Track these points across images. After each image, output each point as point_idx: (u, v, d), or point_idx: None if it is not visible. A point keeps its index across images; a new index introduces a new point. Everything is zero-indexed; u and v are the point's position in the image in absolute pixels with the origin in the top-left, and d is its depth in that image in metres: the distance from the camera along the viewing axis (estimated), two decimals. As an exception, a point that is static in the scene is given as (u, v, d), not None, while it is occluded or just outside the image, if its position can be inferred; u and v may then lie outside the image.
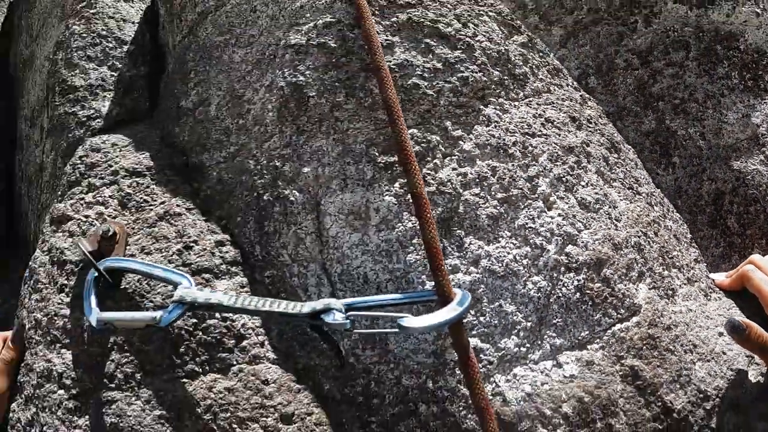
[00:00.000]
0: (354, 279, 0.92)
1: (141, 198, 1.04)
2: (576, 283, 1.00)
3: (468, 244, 0.95)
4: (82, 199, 1.08)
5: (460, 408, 0.90)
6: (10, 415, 0.99)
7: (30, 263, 1.11)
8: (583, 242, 1.03)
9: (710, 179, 1.59)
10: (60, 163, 1.25)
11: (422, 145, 0.97)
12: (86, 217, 1.06)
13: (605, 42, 1.55)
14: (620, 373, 0.98)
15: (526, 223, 1.00)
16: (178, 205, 1.03)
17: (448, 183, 0.95)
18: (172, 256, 0.98)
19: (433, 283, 0.89)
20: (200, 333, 0.93)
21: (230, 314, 0.93)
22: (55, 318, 0.97)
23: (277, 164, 0.97)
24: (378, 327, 0.90)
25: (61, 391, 0.92)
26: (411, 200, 0.90)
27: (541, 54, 1.22)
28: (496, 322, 0.94)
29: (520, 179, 1.01)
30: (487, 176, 0.98)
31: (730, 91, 1.63)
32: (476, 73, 1.05)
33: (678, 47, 1.61)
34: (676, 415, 0.98)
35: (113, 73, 1.31)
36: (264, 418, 0.89)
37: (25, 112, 1.63)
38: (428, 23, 1.06)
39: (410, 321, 0.81)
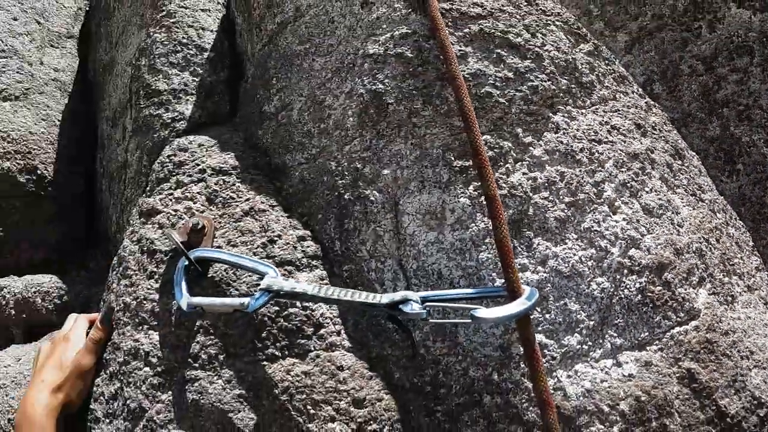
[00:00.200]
0: (429, 275, 0.97)
1: (227, 194, 1.12)
2: (638, 285, 1.03)
3: (536, 245, 0.99)
4: (171, 194, 1.16)
5: (523, 400, 0.94)
6: (94, 389, 1.07)
7: (119, 252, 1.19)
8: (646, 246, 1.06)
9: (775, 187, 1.57)
10: (145, 161, 1.35)
11: (495, 150, 1.01)
12: (175, 211, 1.14)
13: (670, 48, 1.56)
14: (677, 375, 1.01)
15: (592, 227, 1.03)
16: (262, 202, 1.10)
17: (519, 187, 1.00)
18: (256, 248, 1.04)
19: (503, 281, 0.94)
20: (282, 320, 0.99)
21: (310, 303, 0.99)
22: (144, 302, 1.05)
23: (358, 166, 1.04)
24: (451, 318, 0.95)
25: (147, 369, 1.00)
26: (484, 202, 0.95)
27: (607, 62, 1.25)
28: (560, 319, 0.98)
29: (587, 184, 1.05)
30: (555, 181, 1.03)
31: (795, 98, 1.61)
32: (545, 81, 1.09)
33: (742, 53, 1.60)
34: (730, 420, 1.00)
35: (195, 79, 1.39)
36: (337, 402, 0.95)
37: (107, 113, 1.74)
38: (499, 34, 1.11)
39: (482, 312, 0.85)
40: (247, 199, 1.11)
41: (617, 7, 1.60)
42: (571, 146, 1.06)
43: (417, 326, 0.98)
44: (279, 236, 1.05)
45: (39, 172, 1.71)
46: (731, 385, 1.03)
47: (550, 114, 1.08)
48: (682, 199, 1.18)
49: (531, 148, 1.04)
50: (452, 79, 1.00)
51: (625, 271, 1.03)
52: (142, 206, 1.18)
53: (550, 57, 1.13)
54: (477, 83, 1.05)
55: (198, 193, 1.14)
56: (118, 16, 1.80)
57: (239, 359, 0.97)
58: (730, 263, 1.19)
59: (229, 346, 0.98)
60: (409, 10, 1.10)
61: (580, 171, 1.05)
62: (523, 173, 1.01)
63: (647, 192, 1.12)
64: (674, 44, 1.56)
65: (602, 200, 1.05)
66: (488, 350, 0.96)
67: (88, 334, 1.12)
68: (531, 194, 1.01)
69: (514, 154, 1.02)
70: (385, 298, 0.89)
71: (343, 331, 1.00)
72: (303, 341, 0.98)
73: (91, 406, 1.05)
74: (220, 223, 1.09)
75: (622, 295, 1.02)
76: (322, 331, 0.99)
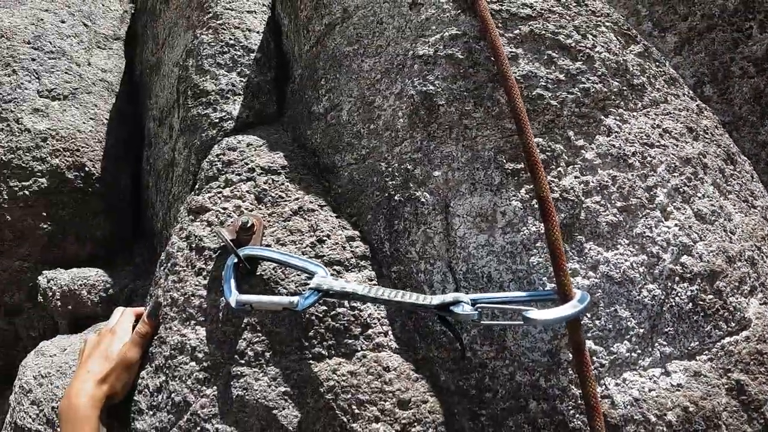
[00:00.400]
0: (478, 277, 0.97)
1: (276, 194, 1.13)
2: (689, 293, 1.01)
3: (588, 250, 0.98)
4: (220, 192, 1.18)
5: (569, 407, 0.93)
6: (139, 381, 1.09)
7: (167, 248, 1.21)
8: (697, 253, 1.04)
9: (827, 193, 1.53)
10: (193, 160, 1.37)
11: (546, 153, 1.01)
12: (224, 209, 1.15)
13: (720, 49, 1.53)
14: (726, 387, 0.98)
15: (644, 232, 1.02)
16: (311, 202, 1.11)
17: (571, 190, 0.99)
18: (305, 248, 1.06)
19: (553, 285, 0.93)
20: (329, 319, 1.00)
21: (358, 304, 1.00)
22: (192, 298, 1.07)
23: (409, 167, 1.04)
24: (501, 320, 0.95)
25: (193, 363, 1.01)
26: (536, 206, 0.95)
27: (657, 63, 1.23)
28: (610, 326, 0.97)
29: (639, 189, 1.04)
30: (607, 185, 1.01)
31: None
32: (597, 83, 1.08)
33: (794, 54, 1.56)
34: (777, 434, 0.98)
35: (242, 79, 1.42)
36: (382, 402, 0.95)
37: (154, 112, 1.78)
38: (549, 35, 1.10)
39: (535, 314, 0.85)
40: (296, 199, 1.12)
41: (666, 7, 1.57)
42: (623, 150, 1.05)
43: (464, 329, 0.97)
44: (328, 236, 1.06)
45: (87, 169, 1.76)
46: (781, 399, 1.00)
47: (602, 117, 1.06)
48: (734, 205, 1.16)
49: (583, 151, 1.02)
50: (504, 80, 0.99)
51: (677, 278, 1.01)
52: (191, 204, 1.21)
53: (600, 58, 1.12)
54: (528, 85, 1.04)
55: (247, 191, 1.15)
56: (164, 19, 1.84)
57: (286, 357, 0.99)
58: (784, 272, 1.16)
59: (275, 343, 0.99)
60: (459, 11, 1.10)
61: (633, 175, 1.04)
62: (575, 177, 1.00)
63: (699, 198, 1.09)
64: (725, 45, 1.52)
65: (654, 205, 1.04)
66: (536, 355, 0.95)
67: (133, 327, 1.14)
68: (583, 198, 0.99)
69: (566, 157, 1.01)
70: (435, 300, 0.89)
71: (390, 332, 1.01)
72: (350, 341, 0.99)
73: (135, 398, 1.07)
74: (269, 221, 1.10)
75: (673, 303, 1.00)
76: (369, 332, 1.00)
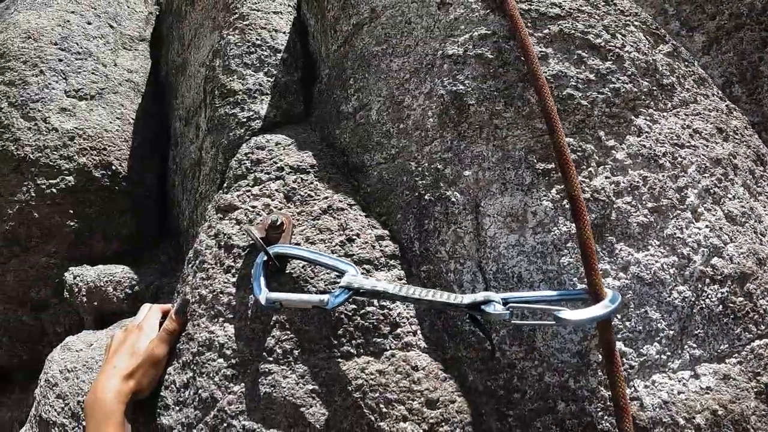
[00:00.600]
0: (509, 277, 0.97)
1: (305, 192, 1.14)
2: (720, 295, 1.01)
3: (618, 251, 0.98)
4: (249, 191, 1.19)
5: (598, 409, 0.93)
6: (165, 377, 1.10)
7: (195, 246, 1.22)
8: (728, 255, 1.03)
9: None
10: (221, 159, 1.39)
11: (577, 153, 1.00)
12: (253, 207, 1.16)
13: (749, 48, 1.51)
14: (755, 390, 0.98)
15: (675, 233, 1.01)
16: (340, 201, 1.12)
17: (602, 191, 0.99)
18: (335, 246, 1.06)
19: (584, 286, 0.93)
20: (358, 318, 1.00)
21: (388, 303, 1.00)
22: (220, 295, 1.08)
23: (439, 167, 1.04)
24: (532, 320, 0.95)
25: (221, 360, 1.02)
26: (567, 206, 0.94)
27: (686, 63, 1.22)
28: (640, 327, 0.96)
29: (670, 189, 1.03)
30: (638, 185, 1.01)
31: None
32: (627, 83, 1.08)
33: (824, 54, 1.54)
34: (805, 440, 0.97)
35: (269, 79, 1.43)
36: (410, 401, 0.95)
37: (180, 112, 1.80)
38: (579, 34, 1.09)
39: (566, 314, 0.84)
40: (326, 198, 1.13)
41: (693, 6, 1.56)
42: (654, 150, 1.04)
43: (494, 329, 0.97)
44: (357, 235, 1.07)
45: (114, 167, 1.79)
46: (810, 403, 0.99)
47: (632, 117, 1.06)
48: (765, 206, 1.15)
49: (613, 151, 1.02)
50: (535, 80, 0.99)
51: (707, 280, 1.01)
52: (220, 202, 1.22)
53: (630, 58, 1.11)
54: (558, 85, 1.04)
55: (276, 190, 1.16)
56: (190, 20, 1.86)
57: (314, 355, 0.99)
58: (815, 274, 1.15)
59: (304, 341, 1.00)
60: (488, 10, 1.10)
61: (663, 176, 1.03)
62: (606, 177, 1.00)
63: (730, 199, 1.09)
64: (753, 44, 1.51)
65: (685, 206, 1.03)
66: (566, 356, 0.95)
67: (160, 324, 1.15)
68: (614, 199, 0.99)
69: (597, 158, 1.01)
70: (466, 299, 0.89)
71: (419, 332, 1.01)
72: (379, 340, 0.99)
73: (162, 394, 1.08)
74: (298, 220, 1.11)
75: (703, 305, 0.99)
76: (398, 331, 1.00)
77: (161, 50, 2.12)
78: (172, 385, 1.08)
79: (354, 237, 1.07)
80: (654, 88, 1.11)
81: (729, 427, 0.94)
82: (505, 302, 0.88)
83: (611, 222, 0.98)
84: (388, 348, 0.99)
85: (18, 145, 1.71)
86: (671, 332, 0.97)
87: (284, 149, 1.23)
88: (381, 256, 1.05)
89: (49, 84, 1.79)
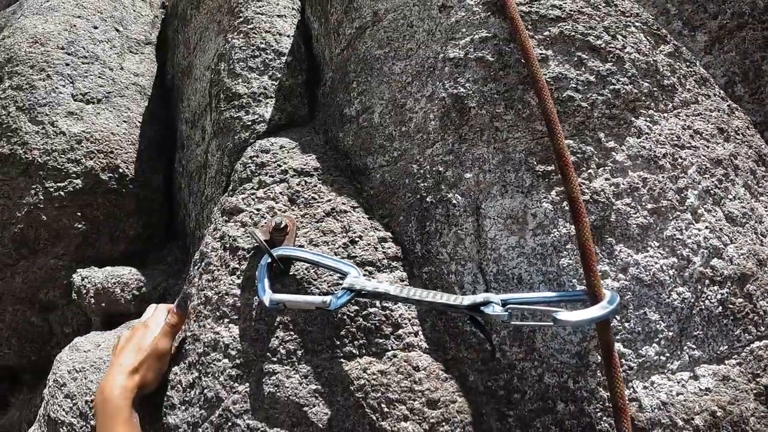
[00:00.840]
0: (509, 279, 0.98)
1: (309, 195, 1.15)
2: (719, 296, 1.01)
3: (618, 252, 0.98)
4: (254, 194, 1.21)
5: (597, 410, 0.94)
6: (171, 376, 1.12)
7: (201, 248, 1.24)
8: (728, 256, 1.04)
9: None
10: (226, 161, 1.40)
11: (577, 155, 1.01)
12: (257, 210, 1.18)
13: (751, 47, 1.51)
14: (754, 392, 0.98)
15: (674, 234, 1.02)
16: (343, 203, 1.13)
17: (602, 192, 0.99)
18: (338, 248, 1.08)
19: (583, 287, 0.94)
20: (361, 319, 1.01)
21: (389, 304, 1.01)
22: (226, 296, 1.09)
23: (440, 169, 1.05)
24: (531, 321, 0.95)
25: (226, 360, 1.03)
26: (566, 207, 0.95)
27: (687, 63, 1.22)
28: (639, 329, 0.96)
29: (670, 191, 1.03)
30: (638, 187, 1.02)
31: None
32: (627, 85, 1.08)
33: (828, 53, 1.53)
34: (804, 442, 0.96)
35: (274, 82, 1.44)
36: (411, 401, 0.96)
37: (186, 115, 1.81)
38: (579, 36, 1.10)
39: (564, 315, 0.85)
40: (329, 200, 1.14)
41: (695, 6, 1.55)
42: (654, 151, 1.05)
43: (494, 330, 0.98)
44: (360, 237, 1.08)
45: (121, 170, 1.81)
46: (810, 405, 0.99)
47: (632, 118, 1.07)
48: (766, 207, 1.15)
49: (613, 153, 1.03)
50: (534, 82, 1.00)
51: (707, 281, 1.01)
52: (225, 205, 1.23)
53: (631, 59, 1.12)
54: (558, 87, 1.05)
55: (280, 193, 1.18)
56: (195, 23, 1.87)
57: (317, 355, 1.00)
58: (817, 274, 1.15)
59: (307, 342, 1.01)
60: (488, 13, 1.11)
61: (663, 177, 1.04)
62: (606, 179, 1.01)
63: (731, 199, 1.09)
64: (756, 43, 1.50)
65: (685, 207, 1.04)
66: (565, 357, 0.96)
67: None
68: (613, 200, 1.00)
69: (597, 159, 1.02)
70: (466, 300, 0.90)
71: (420, 332, 1.02)
72: (381, 340, 1.00)
73: (168, 393, 1.10)
74: (301, 222, 1.13)
75: (703, 306, 1.00)
76: (400, 332, 1.01)
77: (167, 53, 2.13)
78: (179, 385, 1.09)
79: (357, 239, 1.08)
80: (654, 89, 1.12)
81: (728, 429, 0.94)
82: (505, 303, 0.89)
83: (611, 223, 0.99)
84: (389, 349, 1.00)
85: (26, 148, 1.73)
86: (670, 333, 0.97)
87: (288, 152, 1.25)
88: (383, 258, 1.07)
89: (57, 88, 1.81)
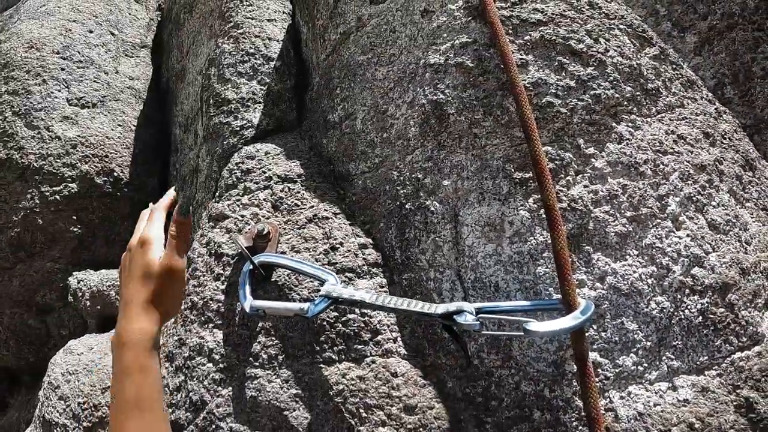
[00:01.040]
0: (486, 286, 0.98)
1: (292, 202, 1.16)
2: (699, 306, 0.99)
3: (596, 260, 0.97)
4: (239, 200, 1.22)
5: (572, 419, 0.93)
6: None
7: (189, 253, 1.25)
8: (710, 265, 1.02)
9: None
10: (215, 167, 1.41)
11: (556, 162, 1.00)
12: (242, 216, 1.19)
13: (741, 49, 1.49)
14: (734, 404, 0.96)
15: (654, 243, 1.00)
16: (325, 210, 1.14)
17: (580, 200, 0.99)
18: (319, 255, 1.08)
19: (560, 295, 0.93)
20: (340, 325, 1.02)
21: (369, 310, 1.01)
22: (210, 302, 1.10)
23: (419, 176, 1.05)
24: (505, 330, 0.95)
25: (210, 364, 1.05)
26: (544, 215, 0.95)
27: (674, 66, 1.21)
28: (616, 338, 0.95)
29: (650, 198, 1.02)
30: (617, 194, 1.01)
31: None
32: (608, 90, 1.07)
33: (819, 54, 1.51)
34: (785, 456, 0.95)
35: (262, 87, 1.45)
36: (389, 407, 0.97)
37: (180, 119, 1.82)
38: (560, 40, 1.09)
39: (535, 326, 0.85)
40: (311, 207, 1.15)
41: (685, 6, 1.53)
42: (635, 158, 1.04)
43: (472, 337, 0.98)
44: (341, 243, 1.08)
45: (115, 174, 1.82)
46: (791, 418, 0.97)
47: (614, 123, 1.06)
48: (752, 213, 1.13)
49: (593, 159, 1.02)
50: (513, 87, 0.99)
51: (687, 290, 0.99)
52: (211, 211, 1.24)
53: (613, 63, 1.11)
54: (538, 92, 1.04)
55: (264, 199, 1.18)
56: (188, 27, 1.88)
57: (297, 360, 1.01)
58: (804, 280, 1.13)
59: (288, 347, 1.02)
60: (470, 18, 1.10)
61: (644, 184, 1.03)
62: (584, 186, 1.00)
63: (714, 206, 1.07)
64: (746, 44, 1.48)
65: (666, 215, 1.02)
66: (541, 366, 0.95)
67: (165, 230, 0.94)
68: (592, 208, 0.99)
69: (576, 166, 1.01)
70: (440, 309, 0.90)
71: (399, 338, 1.02)
72: (360, 346, 1.01)
73: None
74: (284, 229, 1.13)
75: (682, 316, 0.98)
76: (378, 338, 1.01)
77: (162, 57, 2.15)
78: (166, 388, 1.10)
79: (338, 246, 1.08)
80: (637, 93, 1.11)
81: (706, 441, 0.93)
82: (479, 312, 0.89)
83: (588, 231, 0.98)
84: (368, 354, 1.01)
85: (22, 153, 1.75)
86: (648, 343, 0.96)
87: (273, 159, 1.25)
88: (363, 264, 1.07)
89: (52, 93, 1.83)
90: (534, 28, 1.10)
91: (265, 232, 1.10)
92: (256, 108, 1.41)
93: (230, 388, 1.02)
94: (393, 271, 1.06)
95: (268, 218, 1.16)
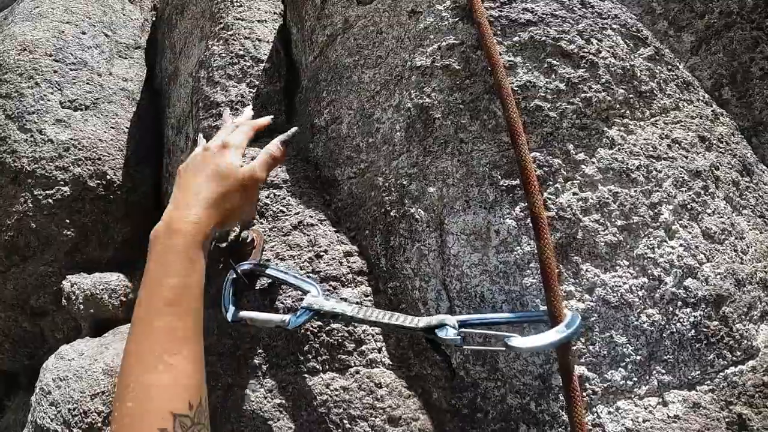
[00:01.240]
0: (471, 297, 0.95)
1: (277, 208, 1.14)
2: (692, 319, 0.96)
3: (584, 271, 0.94)
4: (225, 206, 1.20)
5: (558, 434, 0.90)
6: None
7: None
8: (703, 276, 0.98)
9: None
10: (203, 171, 1.39)
11: (544, 168, 0.97)
12: (228, 223, 1.17)
13: (739, 48, 1.44)
14: (726, 420, 0.93)
15: (646, 253, 0.97)
16: (311, 216, 1.11)
17: (568, 208, 0.96)
18: (303, 263, 1.06)
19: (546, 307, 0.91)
20: (324, 335, 1.00)
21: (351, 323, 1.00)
22: (198, 311, 1.09)
23: (404, 183, 1.03)
24: (488, 345, 0.93)
25: (197, 375, 1.03)
26: (530, 224, 0.92)
27: (669, 67, 1.17)
28: (605, 352, 0.92)
29: (642, 206, 0.99)
30: (608, 202, 0.98)
31: None
32: (600, 92, 1.04)
33: (818, 53, 1.46)
34: (778, 476, 0.92)
35: (251, 90, 1.43)
36: (373, 418, 0.95)
37: (172, 121, 1.81)
38: (550, 41, 1.06)
39: (517, 341, 0.82)
40: (297, 213, 1.13)
41: (682, 5, 1.49)
42: (627, 164, 1.01)
43: (457, 348, 0.96)
44: (326, 251, 1.06)
45: (108, 177, 1.81)
46: (786, 437, 0.94)
47: (605, 128, 1.03)
48: (749, 221, 1.10)
49: (583, 165, 0.99)
50: (499, 91, 0.97)
51: (679, 303, 0.96)
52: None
53: (605, 65, 1.07)
54: (526, 96, 1.01)
55: (249, 205, 1.16)
56: (180, 29, 1.86)
57: (282, 370, 1.00)
58: (802, 291, 1.10)
59: (272, 357, 1.00)
60: (457, 18, 1.07)
61: (636, 191, 0.99)
62: (573, 193, 0.97)
63: (709, 214, 1.04)
64: (744, 44, 1.43)
65: (658, 224, 0.99)
66: (527, 379, 0.93)
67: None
68: (581, 216, 0.96)
69: (564, 173, 0.98)
70: (422, 322, 0.87)
71: (384, 349, 1.00)
72: (344, 356, 0.99)
73: None
74: (269, 236, 1.11)
75: (674, 329, 0.95)
76: (363, 348, 1.00)
77: (156, 57, 2.13)
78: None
79: (322, 253, 1.06)
80: (631, 95, 1.07)
81: (696, 459, 0.89)
82: (462, 325, 0.87)
83: (577, 241, 0.95)
84: (352, 365, 0.99)
85: (15, 156, 1.74)
86: (638, 357, 0.93)
87: (259, 163, 1.23)
88: (348, 273, 1.05)
89: (45, 95, 1.82)
90: (523, 29, 1.06)
91: (249, 240, 1.08)
92: (244, 111, 1.39)
93: (215, 397, 1.00)
94: (379, 279, 1.04)
95: (253, 225, 1.14)
